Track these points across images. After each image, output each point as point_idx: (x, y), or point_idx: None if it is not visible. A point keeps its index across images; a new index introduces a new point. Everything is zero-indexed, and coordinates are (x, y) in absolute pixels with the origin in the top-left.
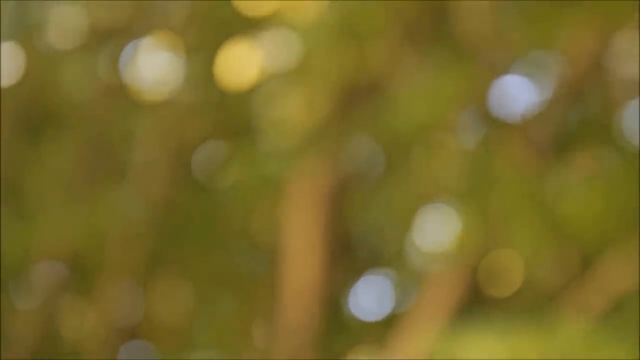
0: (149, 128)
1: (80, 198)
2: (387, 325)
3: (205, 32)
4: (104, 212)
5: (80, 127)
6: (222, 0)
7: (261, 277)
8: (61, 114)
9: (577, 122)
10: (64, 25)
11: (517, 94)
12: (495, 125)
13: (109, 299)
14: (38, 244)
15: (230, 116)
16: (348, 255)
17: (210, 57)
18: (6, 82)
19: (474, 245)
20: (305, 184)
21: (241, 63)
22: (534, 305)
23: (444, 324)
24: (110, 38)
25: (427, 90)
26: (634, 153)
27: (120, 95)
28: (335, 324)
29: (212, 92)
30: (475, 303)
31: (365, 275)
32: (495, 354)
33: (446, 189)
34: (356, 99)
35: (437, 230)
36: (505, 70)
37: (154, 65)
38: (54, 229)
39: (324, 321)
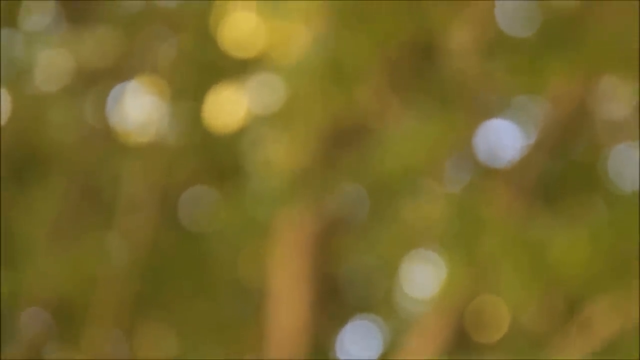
0: (136, 171)
1: (66, 242)
2: None
3: (191, 74)
4: (90, 257)
5: (67, 170)
6: (208, 43)
7: (248, 321)
8: (48, 157)
9: (563, 166)
10: (51, 68)
11: (503, 138)
12: (481, 170)
13: (95, 345)
14: (23, 289)
15: (216, 159)
16: (335, 300)
17: (196, 99)
18: None
19: (460, 290)
20: (291, 228)
21: (227, 106)
22: (521, 350)
23: None
24: (96, 80)
25: (413, 134)
26: (620, 198)
27: (106, 137)
28: None
29: (198, 135)
30: (462, 348)
31: (352, 320)
32: None
33: (432, 234)
34: (342, 142)
35: (423, 275)
36: (491, 115)
37: (140, 108)
38: (39, 275)
39: None
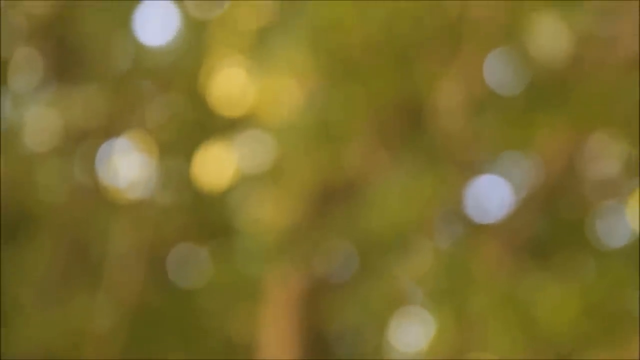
0: (124, 228)
1: (54, 300)
2: None
3: (180, 132)
4: (78, 314)
5: (56, 228)
6: (197, 101)
7: None
8: (37, 215)
9: (551, 223)
10: (40, 127)
11: (492, 194)
12: (470, 226)
13: None
14: (12, 347)
15: (205, 216)
16: (325, 357)
17: (185, 157)
18: None
19: (449, 346)
20: (281, 285)
21: (216, 164)
22: None
23: None
24: (86, 138)
25: (402, 192)
26: (608, 254)
27: (96, 195)
28: None
29: (187, 193)
30: None
31: None
32: None
33: (422, 290)
34: (331, 199)
35: (413, 331)
36: (480, 172)
37: (129, 166)
38: (28, 332)
39: None
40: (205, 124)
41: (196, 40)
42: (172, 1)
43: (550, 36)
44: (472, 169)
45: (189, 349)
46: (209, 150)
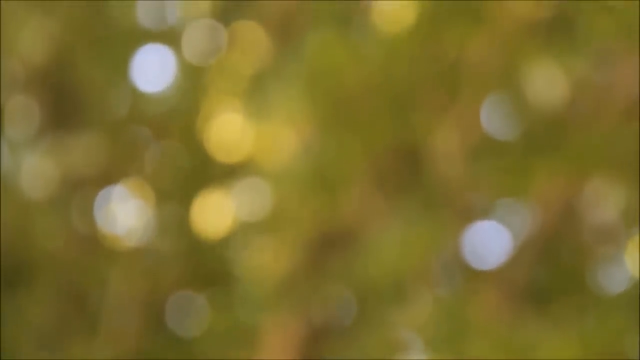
0: (122, 275)
1: (52, 347)
2: None
3: (178, 179)
4: None
5: (54, 276)
6: (194, 147)
7: None
8: (34, 263)
9: (550, 269)
10: (37, 175)
11: (490, 241)
12: (468, 273)
13: None
14: None
15: (203, 264)
16: None
17: (182, 204)
18: None
19: None
20: (278, 333)
21: (214, 211)
22: None
23: None
24: (83, 186)
25: (399, 239)
26: (608, 301)
27: (93, 243)
28: None
29: (184, 240)
30: None
31: None
32: None
33: (420, 338)
34: (329, 246)
35: None
36: (478, 218)
37: (126, 213)
38: None
39: None
40: (203, 171)
41: (193, 86)
42: (169, 48)
43: (547, 82)
44: (470, 215)
45: None
46: (206, 197)
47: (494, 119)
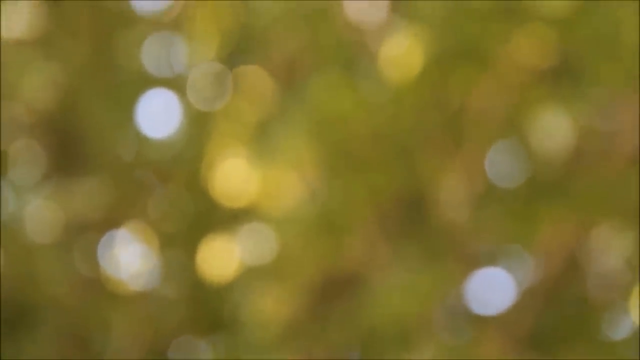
0: (126, 320)
1: None
2: None
3: (181, 223)
4: None
5: (57, 320)
6: (198, 192)
7: None
8: (38, 308)
9: (554, 315)
10: (41, 220)
11: (495, 287)
12: (472, 319)
13: None
14: None
15: (206, 309)
16: None
17: (186, 249)
18: None
19: None
20: None
21: (218, 256)
22: None
23: None
24: (87, 230)
25: (404, 284)
26: (613, 347)
27: (97, 287)
28: None
29: (188, 285)
30: None
31: None
32: None
33: None
34: (333, 292)
35: None
36: (483, 264)
37: (130, 258)
38: None
39: None
40: (207, 216)
41: (198, 131)
42: (174, 93)
43: (552, 129)
44: (474, 262)
45: None
46: (211, 242)
47: (499, 166)
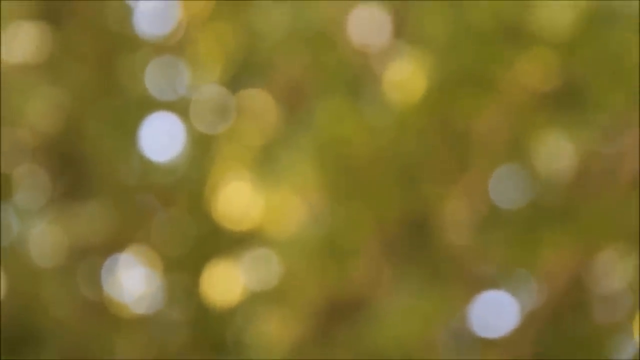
0: (130, 344)
1: None
2: None
3: (185, 247)
4: None
5: (61, 343)
6: (202, 215)
7: None
8: (42, 331)
9: (558, 339)
10: (44, 243)
11: (498, 310)
12: (476, 342)
13: None
14: None
15: (210, 333)
16: None
17: (191, 273)
18: None
19: None
20: None
21: (222, 280)
22: None
23: None
24: (90, 254)
25: (408, 307)
26: None
27: (100, 311)
28: None
29: (192, 309)
30: None
31: None
32: None
33: None
34: (337, 315)
35: None
36: (486, 287)
37: (134, 281)
38: None
39: None
40: (211, 239)
41: (202, 155)
42: (178, 116)
43: (556, 153)
44: (478, 285)
45: None
46: (214, 266)
47: (502, 189)
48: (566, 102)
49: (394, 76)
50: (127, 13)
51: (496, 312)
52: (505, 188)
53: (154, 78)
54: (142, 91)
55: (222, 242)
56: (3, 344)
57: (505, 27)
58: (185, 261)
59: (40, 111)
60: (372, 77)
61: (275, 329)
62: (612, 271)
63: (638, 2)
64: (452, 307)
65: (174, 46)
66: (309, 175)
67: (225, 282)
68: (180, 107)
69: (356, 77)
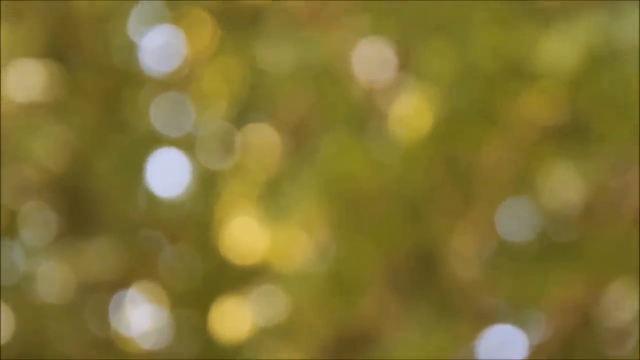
0: None
1: None
2: None
3: (192, 282)
4: None
5: None
6: (209, 250)
7: None
8: None
9: None
10: (52, 279)
11: (506, 344)
12: None
13: None
14: None
15: None
16: None
17: (198, 308)
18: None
19: None
20: None
21: (229, 315)
22: None
23: None
24: (97, 289)
25: (415, 342)
26: None
27: (108, 347)
28: None
29: (199, 344)
30: None
31: None
32: None
33: None
34: (345, 350)
35: None
36: (494, 321)
37: (141, 317)
38: None
39: None
40: (217, 275)
41: (207, 191)
42: (184, 152)
43: (562, 186)
44: (485, 319)
45: None
46: (221, 302)
47: (509, 223)
48: (572, 135)
49: (399, 111)
50: (132, 49)
51: (504, 346)
52: (512, 221)
53: (159, 114)
54: (148, 127)
55: (228, 277)
56: None
57: (510, 62)
58: (192, 297)
59: (46, 148)
60: (377, 112)
61: None
62: (620, 304)
63: None
64: (459, 341)
65: (179, 82)
66: (315, 210)
67: (232, 318)
68: (185, 143)
69: (361, 112)
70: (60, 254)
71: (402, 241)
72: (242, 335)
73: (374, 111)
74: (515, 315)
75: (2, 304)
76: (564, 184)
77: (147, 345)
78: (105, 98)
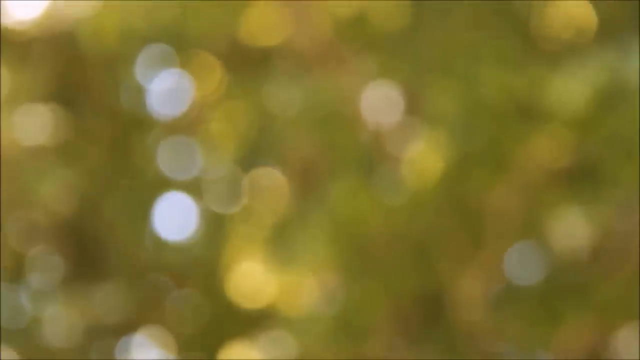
0: None
1: None
2: None
3: (200, 327)
4: None
5: None
6: (217, 296)
7: None
8: None
9: None
10: (59, 323)
11: None
12: None
13: None
14: None
15: None
16: None
17: (205, 352)
18: None
19: None
20: None
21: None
22: None
23: None
24: (104, 334)
25: None
26: None
27: None
28: None
29: None
30: None
31: None
32: None
33: None
34: None
35: None
36: None
37: None
38: None
39: None
40: (225, 319)
41: (215, 234)
42: (191, 196)
43: (571, 229)
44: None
45: None
46: (229, 346)
47: (517, 266)
48: (580, 178)
49: (408, 154)
50: (140, 93)
51: None
52: (521, 265)
53: (167, 158)
54: (155, 171)
55: (236, 321)
56: None
57: (519, 104)
58: (200, 341)
59: (53, 192)
60: (385, 155)
61: None
62: (628, 348)
63: None
64: None
65: (187, 126)
66: (323, 254)
67: None
68: (193, 187)
69: (369, 155)
70: (67, 297)
71: (411, 284)
72: None
73: (382, 154)
74: (523, 358)
75: (10, 348)
76: (572, 227)
77: None
78: (113, 141)
